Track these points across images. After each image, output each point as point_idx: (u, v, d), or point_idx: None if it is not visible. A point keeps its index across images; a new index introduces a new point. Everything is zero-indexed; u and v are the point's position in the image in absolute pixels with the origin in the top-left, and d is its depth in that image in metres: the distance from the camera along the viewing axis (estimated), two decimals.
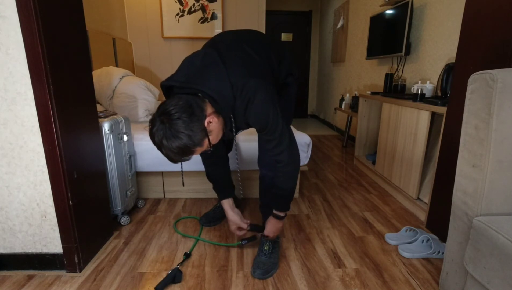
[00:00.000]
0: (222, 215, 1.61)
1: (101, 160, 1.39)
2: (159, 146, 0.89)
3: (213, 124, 0.94)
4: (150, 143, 1.74)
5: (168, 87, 1.00)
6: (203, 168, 1.79)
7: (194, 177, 1.88)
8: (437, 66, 1.99)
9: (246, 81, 0.94)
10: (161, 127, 0.86)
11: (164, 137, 0.86)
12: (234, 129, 1.04)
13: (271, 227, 1.24)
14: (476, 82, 0.87)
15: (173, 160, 0.93)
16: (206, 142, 0.93)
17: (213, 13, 3.44)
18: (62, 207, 1.15)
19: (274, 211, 1.21)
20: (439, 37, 1.98)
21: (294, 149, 1.08)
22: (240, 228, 1.33)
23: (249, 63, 0.99)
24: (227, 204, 1.36)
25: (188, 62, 1.00)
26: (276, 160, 1.08)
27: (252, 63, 0.99)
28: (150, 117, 2.12)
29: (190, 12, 3.45)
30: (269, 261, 1.23)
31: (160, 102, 2.92)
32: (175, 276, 1.15)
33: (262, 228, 1.31)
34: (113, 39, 2.88)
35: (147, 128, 0.93)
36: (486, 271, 0.79)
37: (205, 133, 0.91)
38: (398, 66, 2.49)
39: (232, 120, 1.01)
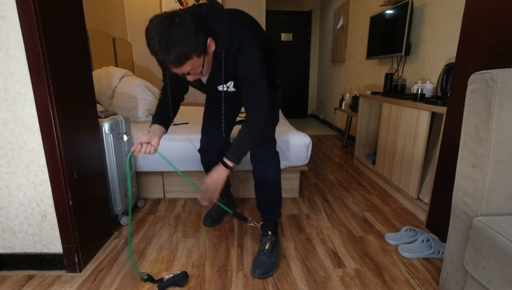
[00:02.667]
0: (223, 213, 1.64)
1: (101, 160, 1.39)
2: (160, 35, 0.81)
3: (211, 48, 0.95)
4: None
5: None
6: (203, 168, 1.79)
7: (194, 177, 1.88)
8: (437, 66, 1.99)
9: (244, 30, 1.01)
10: (170, 21, 0.82)
11: (170, 28, 0.81)
12: (223, 68, 1.04)
13: (213, 173, 1.09)
14: (476, 82, 0.87)
15: (161, 60, 0.85)
16: (201, 59, 0.91)
17: None
18: (62, 207, 1.15)
19: (224, 158, 1.09)
20: (439, 37, 1.98)
21: (268, 121, 1.15)
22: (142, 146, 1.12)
23: (250, 23, 1.07)
24: (156, 127, 1.16)
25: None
26: (250, 117, 1.08)
27: (253, 25, 1.07)
28: (150, 117, 2.14)
29: None
30: (269, 260, 1.23)
31: None
32: (179, 280, 1.15)
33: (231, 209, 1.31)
34: (113, 39, 2.88)
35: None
36: (486, 271, 0.79)
37: (206, 48, 0.91)
38: (398, 66, 2.49)
39: (223, 57, 1.02)
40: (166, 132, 1.21)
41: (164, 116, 1.21)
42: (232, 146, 1.10)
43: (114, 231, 1.51)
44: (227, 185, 1.70)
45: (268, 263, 1.22)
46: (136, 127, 1.89)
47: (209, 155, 1.44)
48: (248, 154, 1.59)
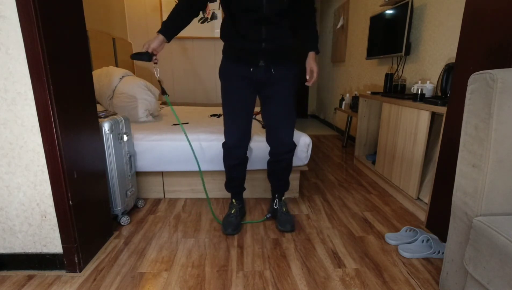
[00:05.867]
0: (241, 217, 1.63)
1: (101, 160, 1.39)
2: None
3: None
4: (150, 143, 1.75)
5: None
6: (202, 169, 1.80)
7: (194, 177, 1.88)
8: (437, 66, 1.99)
9: None
10: None
11: None
12: None
13: (313, 61, 1.43)
14: (476, 82, 0.87)
15: None
16: None
17: (213, 13, 3.44)
18: (62, 207, 1.15)
19: (313, 51, 1.43)
20: (439, 37, 1.98)
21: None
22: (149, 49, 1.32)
23: None
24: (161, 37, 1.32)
25: None
26: (309, 11, 1.38)
27: None
28: (150, 117, 2.14)
29: None
30: (290, 217, 1.56)
31: (160, 102, 2.93)
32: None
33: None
34: (113, 39, 2.88)
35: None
36: (486, 271, 0.79)
37: None
38: (398, 66, 2.49)
39: None
40: (168, 42, 1.36)
41: (172, 26, 1.33)
42: (309, 40, 1.42)
43: (114, 231, 1.51)
44: (242, 188, 1.66)
45: (291, 220, 1.55)
46: (136, 127, 1.89)
47: (238, 150, 1.50)
48: (251, 155, 1.60)
